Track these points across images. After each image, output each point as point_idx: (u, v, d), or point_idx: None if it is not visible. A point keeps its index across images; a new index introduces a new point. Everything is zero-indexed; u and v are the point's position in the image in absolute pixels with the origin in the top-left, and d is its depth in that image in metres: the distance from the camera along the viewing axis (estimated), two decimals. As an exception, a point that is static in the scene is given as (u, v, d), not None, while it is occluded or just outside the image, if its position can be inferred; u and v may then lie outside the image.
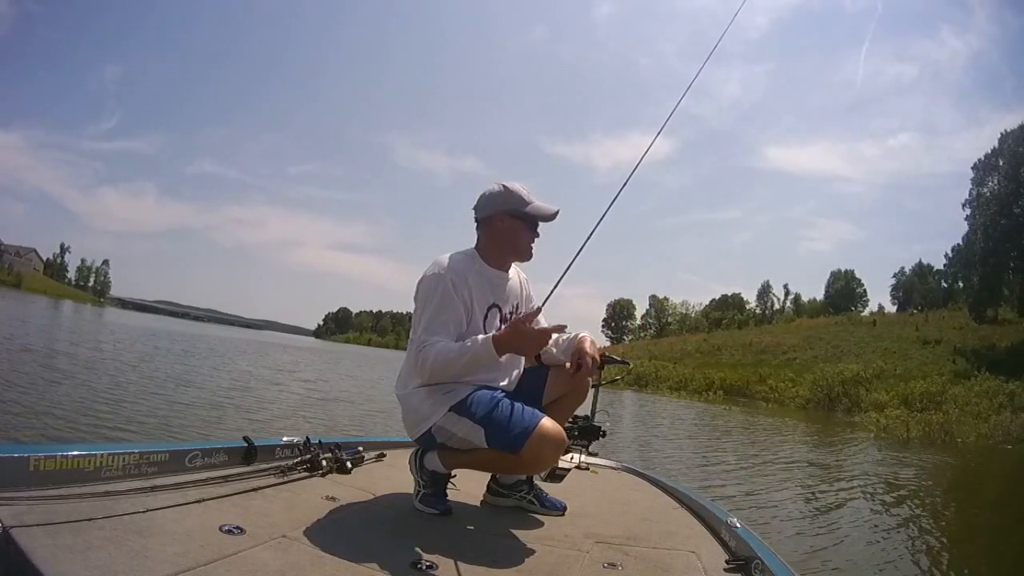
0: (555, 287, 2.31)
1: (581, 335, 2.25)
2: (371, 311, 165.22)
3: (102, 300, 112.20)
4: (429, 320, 2.07)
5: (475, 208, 2.26)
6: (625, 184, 2.48)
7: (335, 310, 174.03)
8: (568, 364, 2.22)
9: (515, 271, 2.33)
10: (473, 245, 2.27)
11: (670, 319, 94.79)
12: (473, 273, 2.17)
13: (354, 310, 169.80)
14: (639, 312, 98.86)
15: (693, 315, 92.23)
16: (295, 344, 57.54)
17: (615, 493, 2.86)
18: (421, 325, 2.08)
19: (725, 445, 13.21)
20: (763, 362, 46.63)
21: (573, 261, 2.27)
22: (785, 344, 50.89)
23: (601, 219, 2.40)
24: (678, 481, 3.29)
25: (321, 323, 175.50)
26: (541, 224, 2.26)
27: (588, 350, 2.19)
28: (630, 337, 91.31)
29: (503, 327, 2.14)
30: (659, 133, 2.69)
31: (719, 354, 52.90)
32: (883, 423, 19.80)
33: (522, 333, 2.02)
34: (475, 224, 2.27)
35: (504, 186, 2.22)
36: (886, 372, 35.20)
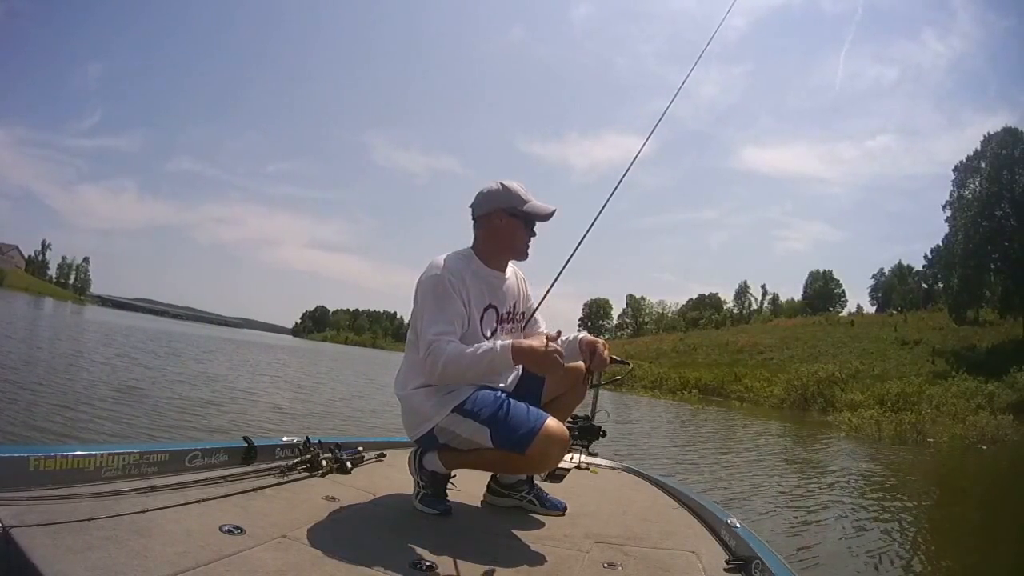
0: (547, 291, 2.32)
1: (581, 335, 2.27)
2: (348, 309, 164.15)
3: (82, 298, 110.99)
4: (434, 319, 2.05)
5: (472, 206, 2.24)
6: (614, 191, 2.42)
7: (312, 308, 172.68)
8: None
9: (512, 270, 2.32)
10: (470, 245, 2.25)
11: (647, 318, 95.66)
12: (470, 273, 2.15)
13: (331, 308, 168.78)
14: (615, 311, 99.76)
15: (670, 315, 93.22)
16: (274, 343, 56.96)
17: (615, 493, 2.87)
18: (426, 325, 2.05)
19: (699, 447, 13.27)
20: (739, 362, 47.12)
21: (565, 266, 2.24)
22: (762, 344, 51.54)
23: (591, 225, 2.36)
24: (678, 481, 3.30)
25: (299, 321, 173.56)
26: (537, 225, 2.25)
27: (600, 345, 2.24)
28: (606, 336, 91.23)
29: (508, 338, 2.12)
30: (649, 137, 2.63)
31: (695, 354, 53.46)
32: (855, 423, 20.00)
33: (539, 356, 1.99)
34: (472, 223, 2.25)
35: (503, 184, 2.20)
36: (863, 372, 35.67)
